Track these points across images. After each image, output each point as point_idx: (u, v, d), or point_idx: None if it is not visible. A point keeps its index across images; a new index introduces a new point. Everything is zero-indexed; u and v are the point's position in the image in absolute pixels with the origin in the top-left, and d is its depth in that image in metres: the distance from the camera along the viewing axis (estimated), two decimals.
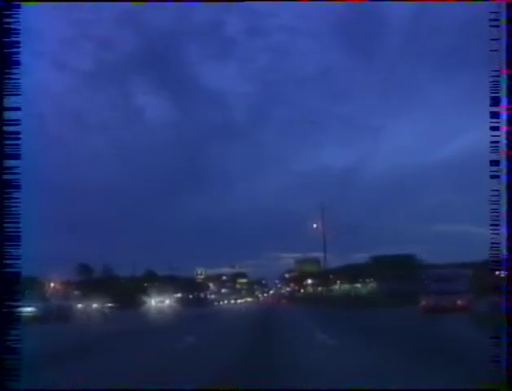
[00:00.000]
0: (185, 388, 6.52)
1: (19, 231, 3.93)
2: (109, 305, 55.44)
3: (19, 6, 3.91)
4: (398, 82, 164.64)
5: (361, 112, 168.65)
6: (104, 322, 31.53)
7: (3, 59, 3.91)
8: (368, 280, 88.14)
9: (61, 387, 6.65)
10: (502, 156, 3.92)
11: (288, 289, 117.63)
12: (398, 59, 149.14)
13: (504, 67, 3.89)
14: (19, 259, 3.91)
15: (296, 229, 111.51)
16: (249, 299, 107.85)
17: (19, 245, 3.91)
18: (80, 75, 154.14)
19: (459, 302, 21.71)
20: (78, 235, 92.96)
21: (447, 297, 22.05)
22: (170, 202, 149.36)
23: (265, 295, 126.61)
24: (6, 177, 3.93)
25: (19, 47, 3.95)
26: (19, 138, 3.97)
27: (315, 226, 55.98)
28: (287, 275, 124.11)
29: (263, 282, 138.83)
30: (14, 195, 3.94)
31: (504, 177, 3.92)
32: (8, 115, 3.96)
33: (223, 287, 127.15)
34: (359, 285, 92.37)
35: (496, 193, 3.95)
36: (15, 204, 3.93)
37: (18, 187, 3.97)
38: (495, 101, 3.96)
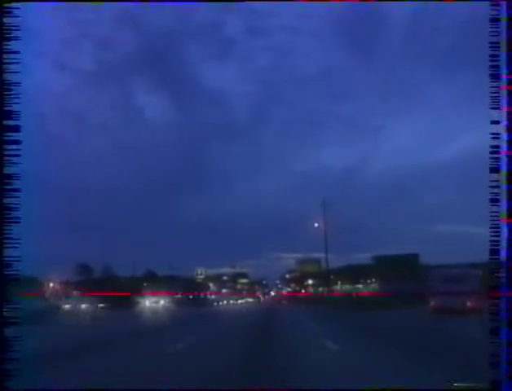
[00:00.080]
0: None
1: (19, 231, 3.93)
2: (101, 305, 54.77)
3: (19, 7, 3.92)
4: (398, 82, 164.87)
5: (361, 112, 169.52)
6: (91, 322, 30.07)
7: (3, 59, 3.91)
8: (369, 281, 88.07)
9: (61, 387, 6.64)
10: (502, 156, 3.91)
11: (289, 289, 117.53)
12: (398, 59, 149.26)
13: (504, 67, 3.89)
14: (18, 261, 3.91)
15: (296, 229, 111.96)
16: (249, 299, 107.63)
17: (18, 245, 3.91)
18: (81, 75, 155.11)
19: (468, 303, 21.24)
20: (79, 234, 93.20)
21: (456, 298, 21.57)
22: (171, 202, 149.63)
23: (266, 295, 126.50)
24: (6, 177, 3.93)
25: (19, 47, 3.95)
26: (19, 143, 3.97)
27: (316, 225, 55.97)
28: (288, 276, 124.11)
29: (264, 282, 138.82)
30: (14, 196, 3.94)
31: (504, 178, 3.91)
32: (8, 115, 3.96)
33: (224, 288, 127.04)
34: (360, 286, 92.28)
35: (495, 194, 3.95)
36: (15, 205, 3.93)
37: (18, 187, 3.97)
38: (495, 101, 3.95)
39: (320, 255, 73.30)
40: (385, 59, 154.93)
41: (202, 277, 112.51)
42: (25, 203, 4.04)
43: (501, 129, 3.93)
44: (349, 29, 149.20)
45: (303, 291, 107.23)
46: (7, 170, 3.93)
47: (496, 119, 3.95)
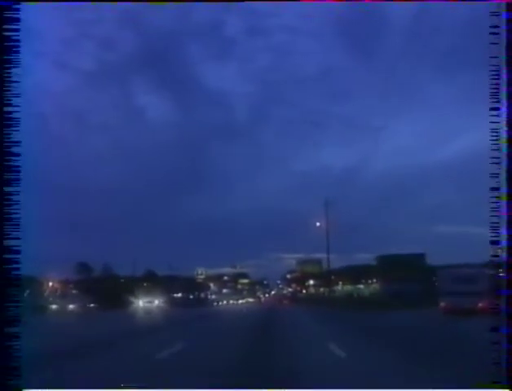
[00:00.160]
0: None
1: (19, 231, 3.93)
2: (91, 305, 54.22)
3: (19, 7, 3.92)
4: (398, 82, 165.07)
5: (361, 112, 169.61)
6: (76, 324, 28.82)
7: (3, 59, 3.92)
8: (370, 281, 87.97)
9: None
10: (502, 156, 3.91)
11: (290, 290, 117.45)
12: (398, 59, 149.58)
13: (504, 67, 3.88)
14: (18, 260, 3.91)
15: (297, 229, 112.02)
16: (250, 299, 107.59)
17: (18, 245, 3.91)
18: (81, 75, 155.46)
19: (480, 304, 20.68)
20: (79, 234, 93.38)
21: (467, 299, 21.15)
22: (171, 202, 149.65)
23: (266, 295, 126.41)
24: (6, 176, 3.94)
25: (19, 47, 3.95)
26: (19, 143, 3.97)
27: (318, 224, 55.84)
28: (289, 276, 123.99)
29: (265, 282, 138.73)
30: (14, 195, 3.95)
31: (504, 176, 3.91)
32: (8, 115, 3.97)
33: (225, 288, 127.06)
34: (361, 286, 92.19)
35: (495, 194, 3.94)
36: (15, 205, 3.94)
37: (18, 187, 3.97)
38: (495, 101, 3.95)
39: (321, 255, 73.36)
40: (385, 59, 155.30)
41: (202, 277, 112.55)
42: (25, 203, 4.04)
43: (501, 128, 3.93)
44: (349, 29, 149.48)
45: (304, 291, 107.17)
46: (7, 170, 3.93)
47: (496, 119, 3.95)
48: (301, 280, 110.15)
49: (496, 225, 3.94)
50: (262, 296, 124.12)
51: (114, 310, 47.37)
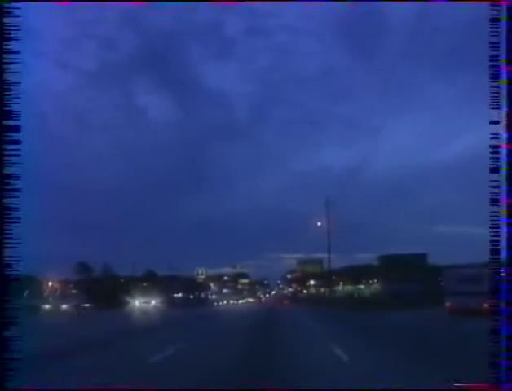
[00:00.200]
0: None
1: (19, 231, 3.94)
2: (86, 305, 53.67)
3: (19, 7, 3.92)
4: (398, 82, 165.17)
5: (361, 112, 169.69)
6: (65, 324, 27.70)
7: (3, 58, 3.92)
8: (371, 281, 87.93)
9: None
10: (502, 156, 3.91)
11: (290, 290, 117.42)
12: (398, 59, 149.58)
13: (504, 67, 3.88)
14: (19, 261, 3.91)
15: (297, 229, 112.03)
16: (250, 299, 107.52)
17: (18, 245, 3.91)
18: (82, 75, 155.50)
19: (486, 305, 20.62)
20: (79, 234, 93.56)
21: (473, 299, 20.50)
22: (171, 202, 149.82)
23: (267, 295, 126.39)
24: (6, 177, 3.94)
25: (19, 47, 3.96)
26: (19, 143, 3.98)
27: (319, 224, 55.70)
28: (289, 276, 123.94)
29: (265, 282, 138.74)
30: (14, 196, 3.95)
31: (504, 175, 3.91)
32: (8, 115, 3.97)
33: (225, 288, 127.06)
34: (362, 286, 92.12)
35: (495, 194, 3.94)
36: (15, 205, 3.94)
37: (18, 187, 3.98)
38: (495, 101, 3.94)
39: (321, 255, 73.38)
40: (385, 59, 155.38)
41: (203, 277, 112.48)
42: (25, 203, 4.05)
43: (501, 129, 3.92)
44: (349, 29, 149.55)
45: (305, 291, 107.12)
46: (7, 170, 3.93)
47: (496, 119, 3.94)
48: (301, 280, 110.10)
49: (495, 224, 3.94)
50: (262, 296, 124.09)
51: (109, 311, 46.73)
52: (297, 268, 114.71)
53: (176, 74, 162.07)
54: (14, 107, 3.96)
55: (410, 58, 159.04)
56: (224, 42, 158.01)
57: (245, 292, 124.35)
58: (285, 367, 8.39)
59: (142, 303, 58.50)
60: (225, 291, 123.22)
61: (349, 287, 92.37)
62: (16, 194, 3.94)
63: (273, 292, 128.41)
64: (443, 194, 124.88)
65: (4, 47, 3.90)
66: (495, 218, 3.92)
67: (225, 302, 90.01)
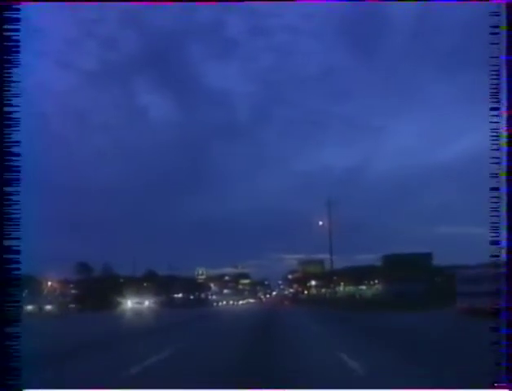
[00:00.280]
0: None
1: (19, 231, 3.94)
2: (72, 306, 52.76)
3: (19, 7, 3.92)
4: (399, 82, 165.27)
5: (362, 112, 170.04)
6: (45, 327, 25.28)
7: (3, 58, 3.92)
8: (372, 282, 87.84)
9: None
10: (502, 156, 3.90)
11: (291, 290, 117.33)
12: (399, 59, 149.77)
13: (504, 67, 3.87)
14: (18, 260, 3.91)
15: (298, 229, 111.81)
16: (251, 300, 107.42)
17: (18, 245, 3.92)
18: (83, 74, 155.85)
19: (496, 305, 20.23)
20: (79, 234, 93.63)
21: (484, 300, 20.91)
22: (172, 202, 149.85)
23: (268, 296, 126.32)
24: (6, 176, 3.94)
25: (19, 47, 3.96)
26: (19, 143, 3.98)
27: (320, 223, 55.55)
28: (290, 276, 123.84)
29: (266, 283, 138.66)
30: (14, 195, 3.95)
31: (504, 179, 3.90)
32: (8, 115, 3.97)
33: (226, 288, 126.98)
34: (363, 287, 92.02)
35: (496, 194, 3.93)
36: (15, 204, 3.94)
37: (18, 187, 3.98)
38: (495, 101, 3.94)
39: (322, 256, 73.33)
40: (386, 59, 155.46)
41: (203, 277, 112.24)
42: (25, 203, 4.05)
43: (501, 129, 3.92)
44: (350, 29, 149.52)
45: (306, 292, 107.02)
46: (7, 170, 3.93)
47: (496, 119, 3.94)
48: (302, 281, 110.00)
49: (496, 225, 3.93)
50: (263, 296, 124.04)
51: (100, 311, 44.71)
52: (299, 268, 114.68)
53: (177, 74, 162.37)
54: (14, 107, 3.96)
55: (411, 58, 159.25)
56: (225, 42, 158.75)
57: (246, 293, 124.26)
58: (285, 367, 8.37)
59: (134, 303, 56.79)
60: (225, 291, 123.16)
61: (350, 288, 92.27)
62: (16, 194, 3.95)
63: (274, 293, 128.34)
64: (443, 194, 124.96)
65: (4, 47, 3.90)
66: (495, 218, 3.91)
67: (225, 303, 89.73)
